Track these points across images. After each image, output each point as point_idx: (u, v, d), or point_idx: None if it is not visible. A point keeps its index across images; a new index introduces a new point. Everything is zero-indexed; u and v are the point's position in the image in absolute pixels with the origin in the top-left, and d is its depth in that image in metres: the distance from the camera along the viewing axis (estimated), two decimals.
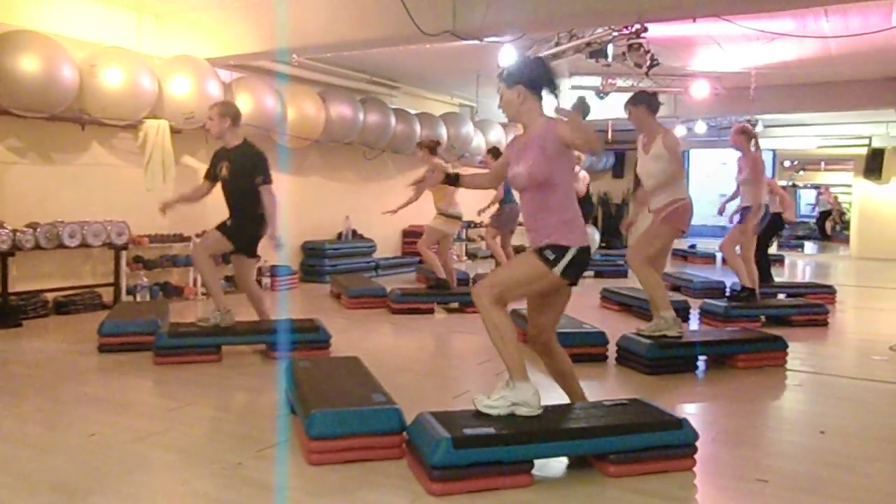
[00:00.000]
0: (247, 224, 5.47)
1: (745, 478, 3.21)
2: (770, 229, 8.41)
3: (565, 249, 3.36)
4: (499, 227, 9.37)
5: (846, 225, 21.25)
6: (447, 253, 8.14)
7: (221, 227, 5.52)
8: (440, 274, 7.89)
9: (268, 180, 5.42)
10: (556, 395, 4.41)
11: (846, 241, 18.96)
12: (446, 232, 8.01)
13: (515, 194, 9.32)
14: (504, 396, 3.29)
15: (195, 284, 8.21)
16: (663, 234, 5.38)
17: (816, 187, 24.44)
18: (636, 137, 5.74)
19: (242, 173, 5.41)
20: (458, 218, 8.02)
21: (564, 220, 3.41)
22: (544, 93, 3.52)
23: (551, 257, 3.36)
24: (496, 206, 9.33)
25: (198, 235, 8.20)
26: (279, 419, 3.84)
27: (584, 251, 3.42)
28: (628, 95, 5.83)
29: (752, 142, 7.31)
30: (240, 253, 5.63)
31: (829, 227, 23.18)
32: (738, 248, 7.36)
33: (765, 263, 8.85)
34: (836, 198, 23.92)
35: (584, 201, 10.85)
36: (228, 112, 5.53)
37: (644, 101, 5.41)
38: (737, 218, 7.40)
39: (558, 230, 3.39)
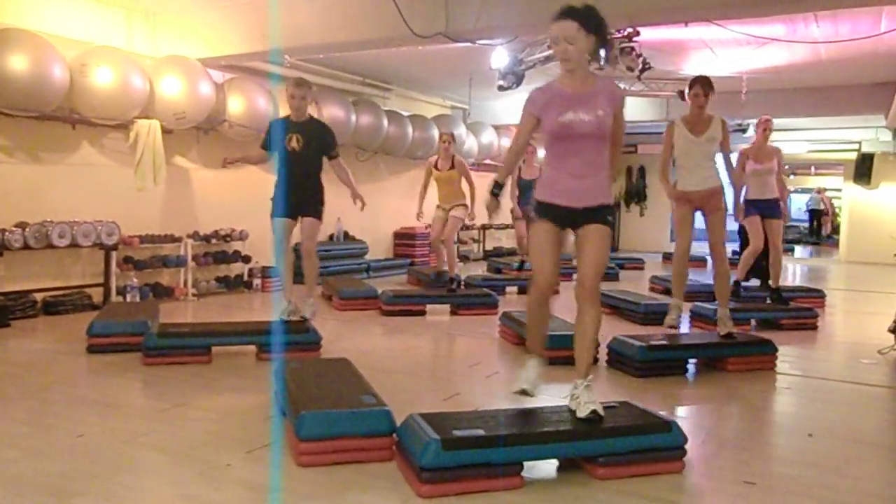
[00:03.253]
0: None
1: (734, 480, 3.22)
2: None
3: (611, 207, 3.64)
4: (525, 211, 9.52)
5: (836, 228, 21.40)
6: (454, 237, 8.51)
7: (311, 212, 5.77)
8: (448, 268, 8.07)
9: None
10: (545, 398, 4.42)
11: (836, 245, 19.07)
12: (462, 218, 8.27)
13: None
14: (592, 398, 3.39)
15: (186, 285, 8.18)
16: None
17: (818, 191, 24.51)
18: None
19: (318, 147, 5.74)
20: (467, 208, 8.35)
21: (607, 177, 3.58)
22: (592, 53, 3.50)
23: (610, 219, 3.61)
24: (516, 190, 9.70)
25: (189, 236, 8.20)
26: (269, 420, 3.83)
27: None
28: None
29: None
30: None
31: (826, 226, 23.31)
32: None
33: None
34: (831, 201, 24.05)
35: None
36: (311, 89, 5.80)
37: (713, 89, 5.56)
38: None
39: (605, 188, 3.57)
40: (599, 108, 3.44)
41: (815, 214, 23.69)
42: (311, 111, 5.91)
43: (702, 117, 5.54)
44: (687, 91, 5.60)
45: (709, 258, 6.11)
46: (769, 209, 7.62)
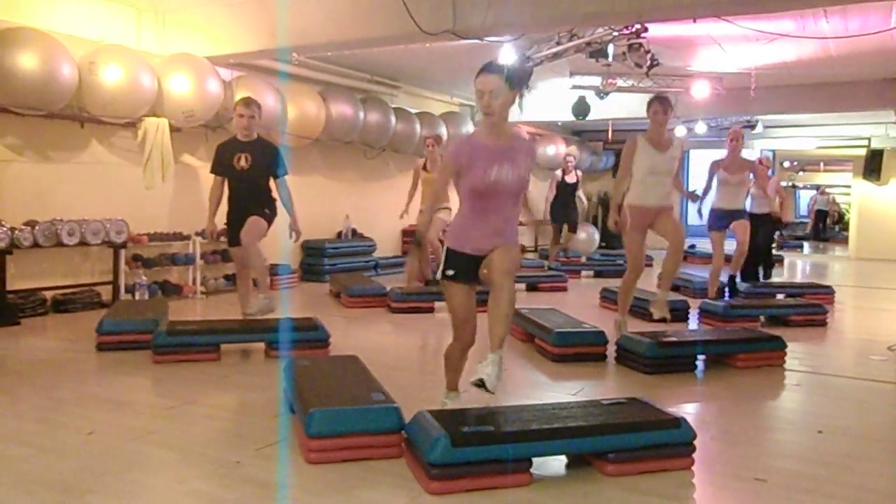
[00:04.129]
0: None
1: (743, 477, 3.21)
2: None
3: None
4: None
5: (845, 226, 21.31)
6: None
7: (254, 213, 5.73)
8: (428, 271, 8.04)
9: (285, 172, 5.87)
10: (553, 394, 4.42)
11: (844, 241, 18.99)
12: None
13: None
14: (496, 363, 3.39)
15: (194, 283, 8.21)
16: None
17: (817, 188, 24.46)
18: (628, 137, 5.86)
19: (264, 166, 5.76)
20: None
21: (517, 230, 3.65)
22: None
23: None
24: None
25: (197, 234, 8.22)
26: (278, 418, 3.84)
27: None
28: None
29: None
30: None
31: (830, 224, 23.25)
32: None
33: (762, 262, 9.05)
34: (833, 198, 23.97)
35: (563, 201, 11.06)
36: (259, 108, 5.88)
37: (672, 106, 5.75)
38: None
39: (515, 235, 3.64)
40: (521, 164, 3.51)
41: (821, 215, 23.61)
42: (258, 131, 5.92)
43: (663, 135, 5.66)
44: (646, 110, 5.69)
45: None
46: (739, 215, 7.82)
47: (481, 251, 3.50)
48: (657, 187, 5.62)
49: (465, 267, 3.53)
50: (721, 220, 7.78)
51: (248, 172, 5.71)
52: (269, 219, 5.82)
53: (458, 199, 3.60)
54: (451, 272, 3.56)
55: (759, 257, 9.71)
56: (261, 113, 5.89)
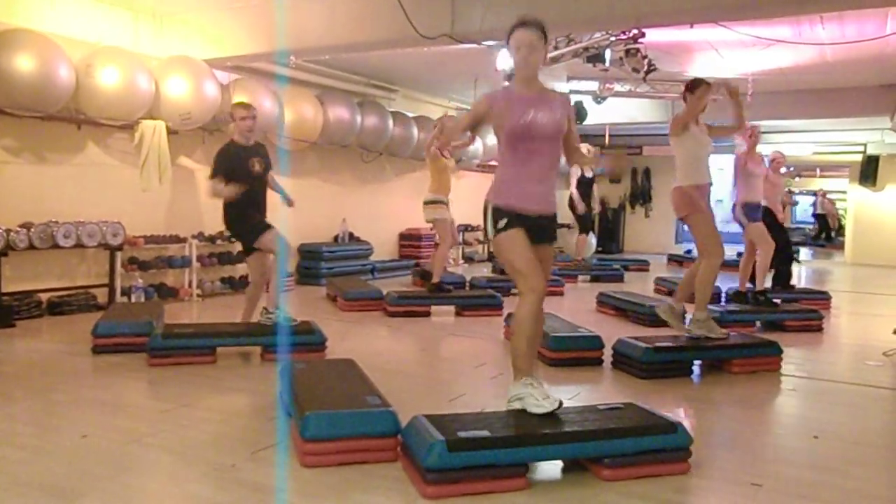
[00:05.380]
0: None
1: (739, 482, 3.21)
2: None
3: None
4: None
5: (841, 230, 21.38)
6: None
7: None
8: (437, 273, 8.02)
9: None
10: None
11: (840, 247, 19.04)
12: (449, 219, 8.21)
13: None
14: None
15: (190, 286, 8.19)
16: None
17: (814, 193, 24.53)
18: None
19: (268, 168, 5.79)
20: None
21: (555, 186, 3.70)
22: None
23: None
24: None
25: (194, 237, 8.21)
26: (274, 421, 3.83)
27: None
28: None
29: None
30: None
31: (829, 228, 23.33)
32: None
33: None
34: (832, 203, 24.03)
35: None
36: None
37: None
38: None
39: (555, 194, 3.70)
40: (557, 111, 3.55)
41: (821, 219, 23.67)
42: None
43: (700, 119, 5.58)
44: (692, 92, 5.46)
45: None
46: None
47: (529, 211, 3.52)
48: (707, 166, 5.50)
49: (518, 221, 3.52)
50: (757, 212, 7.58)
51: (262, 176, 5.71)
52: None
53: (499, 153, 3.65)
54: (502, 223, 3.52)
55: (787, 253, 9.10)
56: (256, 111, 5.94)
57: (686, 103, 5.43)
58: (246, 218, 5.62)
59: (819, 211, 23.78)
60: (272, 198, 5.86)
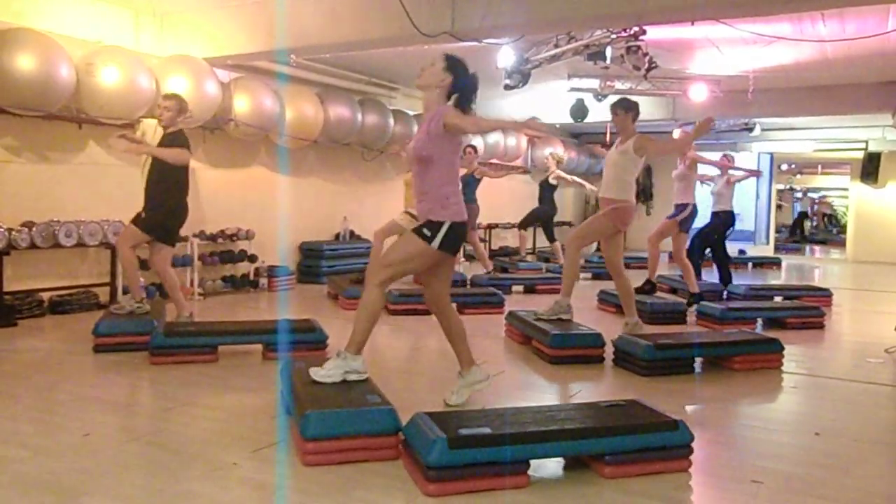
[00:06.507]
0: None
1: (741, 479, 3.21)
2: (722, 227, 8.74)
3: (440, 225, 3.77)
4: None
5: (841, 227, 21.40)
6: None
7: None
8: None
9: None
10: (551, 396, 4.42)
11: (842, 244, 19.04)
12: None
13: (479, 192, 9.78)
14: (338, 365, 3.68)
15: (192, 284, 8.20)
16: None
17: (804, 192, 24.70)
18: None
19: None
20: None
21: (441, 196, 3.80)
22: (459, 100, 3.93)
23: (428, 234, 3.76)
24: None
25: (195, 235, 8.21)
26: (275, 419, 3.84)
27: (459, 225, 3.83)
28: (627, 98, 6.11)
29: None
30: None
31: (807, 227, 23.48)
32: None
33: (725, 262, 9.02)
34: (826, 201, 24.12)
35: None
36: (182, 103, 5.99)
37: (633, 109, 6.00)
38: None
39: (435, 206, 3.80)
40: (419, 134, 3.99)
41: (801, 217, 23.80)
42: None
43: None
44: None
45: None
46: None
47: None
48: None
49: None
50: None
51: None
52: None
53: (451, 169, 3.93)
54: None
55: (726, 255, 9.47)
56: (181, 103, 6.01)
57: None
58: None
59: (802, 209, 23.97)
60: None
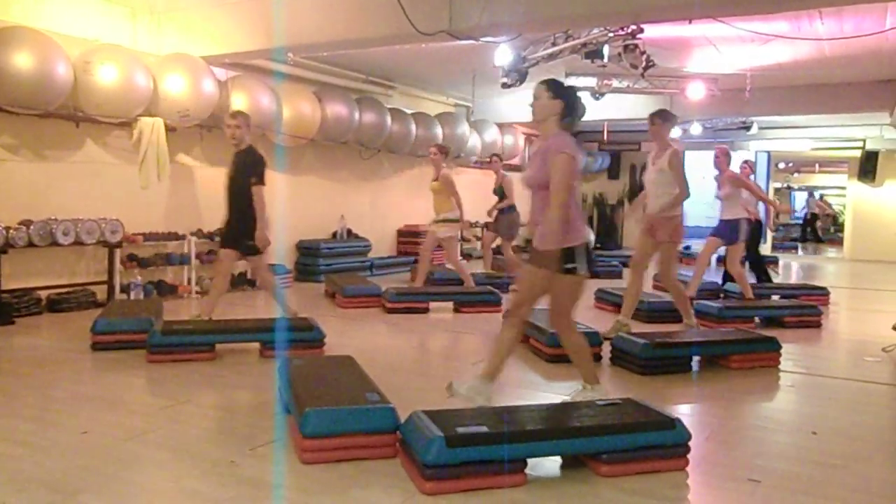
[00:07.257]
0: None
1: (738, 478, 3.22)
2: (755, 235, 8.91)
3: (574, 251, 3.83)
4: (496, 232, 9.89)
5: (840, 227, 21.43)
6: (457, 255, 8.60)
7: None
8: (469, 282, 8.41)
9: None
10: (548, 395, 4.42)
11: (839, 242, 19.07)
12: (451, 235, 8.35)
13: (520, 204, 9.67)
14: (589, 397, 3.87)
15: (189, 283, 8.19)
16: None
17: (810, 192, 24.64)
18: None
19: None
20: (457, 221, 8.40)
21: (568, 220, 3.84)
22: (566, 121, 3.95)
23: (573, 266, 3.83)
24: (494, 212, 9.78)
25: (192, 234, 8.21)
26: (273, 418, 3.84)
27: (587, 243, 3.94)
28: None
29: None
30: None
31: (821, 229, 23.44)
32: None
33: (762, 265, 9.14)
34: (826, 202, 24.11)
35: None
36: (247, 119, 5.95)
37: (670, 120, 6.26)
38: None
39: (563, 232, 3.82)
40: (535, 164, 3.96)
41: (812, 218, 23.76)
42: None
43: None
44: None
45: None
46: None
47: None
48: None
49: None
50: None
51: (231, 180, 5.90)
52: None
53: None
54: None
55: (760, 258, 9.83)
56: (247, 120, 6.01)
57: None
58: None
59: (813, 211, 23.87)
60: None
